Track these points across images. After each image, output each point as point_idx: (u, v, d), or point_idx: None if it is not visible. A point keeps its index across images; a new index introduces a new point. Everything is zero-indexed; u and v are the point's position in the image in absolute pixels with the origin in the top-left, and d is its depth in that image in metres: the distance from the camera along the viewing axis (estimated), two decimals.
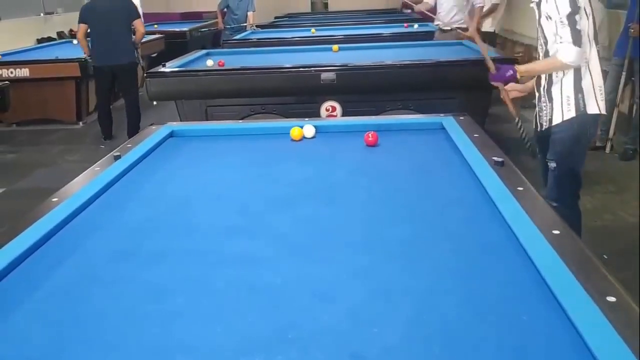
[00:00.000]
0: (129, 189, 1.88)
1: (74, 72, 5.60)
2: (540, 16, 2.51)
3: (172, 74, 4.05)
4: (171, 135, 2.47)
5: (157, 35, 7.92)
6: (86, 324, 1.12)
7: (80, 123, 6.22)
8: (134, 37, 5.50)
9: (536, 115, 2.69)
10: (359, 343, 1.02)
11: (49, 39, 8.01)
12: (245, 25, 7.59)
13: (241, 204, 1.72)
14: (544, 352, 0.97)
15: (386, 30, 6.62)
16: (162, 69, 4.12)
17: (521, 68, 2.71)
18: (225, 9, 7.82)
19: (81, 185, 1.83)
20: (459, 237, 1.43)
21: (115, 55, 5.21)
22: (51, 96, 6.05)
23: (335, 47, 5.07)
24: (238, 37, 6.75)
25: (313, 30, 6.76)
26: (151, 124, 2.60)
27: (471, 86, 3.89)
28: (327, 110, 3.96)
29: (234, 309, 1.14)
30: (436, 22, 5.83)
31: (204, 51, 5.15)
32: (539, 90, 2.64)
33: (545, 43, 2.53)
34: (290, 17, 9.72)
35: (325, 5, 11.99)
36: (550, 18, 2.43)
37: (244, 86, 3.91)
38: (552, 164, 2.57)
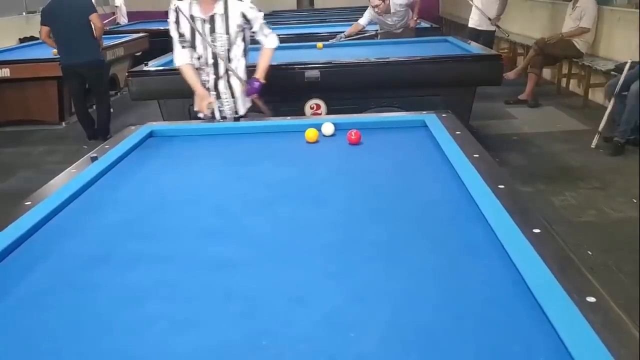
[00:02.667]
0: (105, 192, 1.84)
1: (56, 72, 5.51)
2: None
3: (154, 73, 4.00)
4: (150, 135, 2.43)
5: (141, 34, 7.82)
6: (57, 332, 1.09)
7: (63, 123, 6.12)
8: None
9: None
10: (335, 348, 0.99)
11: (32, 38, 7.90)
12: None
13: (219, 206, 1.69)
14: (522, 354, 0.95)
15: (372, 28, 6.58)
16: (144, 68, 4.07)
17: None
18: None
19: (56, 188, 1.79)
20: (438, 237, 1.41)
21: (78, 54, 5.14)
22: (33, 96, 5.96)
23: (319, 44, 5.05)
24: None
25: None
26: (130, 124, 2.56)
27: (455, 83, 3.88)
28: (311, 108, 3.93)
29: (208, 315, 1.12)
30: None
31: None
32: None
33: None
34: (275, 15, 9.66)
35: (311, 2, 11.93)
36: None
37: None
38: None
